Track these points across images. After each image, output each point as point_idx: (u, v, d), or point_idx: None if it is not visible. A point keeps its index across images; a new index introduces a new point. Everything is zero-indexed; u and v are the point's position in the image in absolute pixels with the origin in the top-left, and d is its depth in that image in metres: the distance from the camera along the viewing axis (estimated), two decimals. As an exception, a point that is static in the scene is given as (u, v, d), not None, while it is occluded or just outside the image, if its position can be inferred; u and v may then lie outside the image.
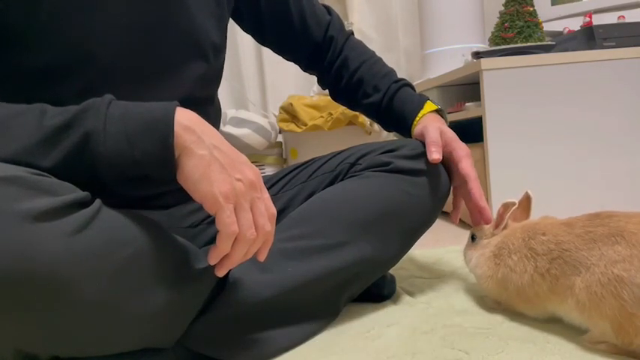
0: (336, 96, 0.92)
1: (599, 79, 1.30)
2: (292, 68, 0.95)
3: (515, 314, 0.69)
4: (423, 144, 0.77)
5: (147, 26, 0.60)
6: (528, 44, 1.33)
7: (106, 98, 0.49)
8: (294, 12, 0.83)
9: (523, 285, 0.64)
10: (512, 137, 1.29)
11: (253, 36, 0.87)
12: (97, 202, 0.48)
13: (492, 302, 0.73)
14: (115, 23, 0.58)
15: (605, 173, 1.32)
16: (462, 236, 0.84)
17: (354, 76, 0.86)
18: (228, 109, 2.07)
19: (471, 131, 1.34)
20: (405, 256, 0.79)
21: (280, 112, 2.01)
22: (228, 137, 1.94)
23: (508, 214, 0.71)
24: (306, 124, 1.90)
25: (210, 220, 0.74)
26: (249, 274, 0.62)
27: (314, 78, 0.93)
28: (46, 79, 0.56)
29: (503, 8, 1.44)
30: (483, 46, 1.67)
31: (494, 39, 1.43)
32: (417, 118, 0.81)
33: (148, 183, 0.51)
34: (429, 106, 0.82)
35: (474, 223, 0.79)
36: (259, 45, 0.90)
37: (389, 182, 0.73)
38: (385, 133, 1.97)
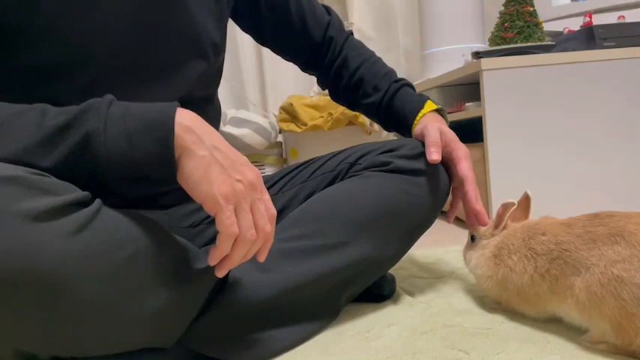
0: (335, 96, 0.92)
1: (599, 79, 1.30)
2: (292, 68, 0.95)
3: (515, 314, 0.69)
4: (423, 144, 0.77)
5: (147, 25, 0.60)
6: (528, 44, 1.33)
7: (106, 98, 0.49)
8: (293, 11, 0.83)
9: (523, 285, 0.64)
10: (512, 137, 1.29)
11: (252, 35, 0.87)
12: (97, 202, 0.48)
13: (492, 302, 0.73)
14: (115, 22, 0.58)
15: (604, 173, 1.32)
16: (462, 236, 0.84)
17: (354, 75, 0.86)
18: (228, 109, 2.08)
19: (471, 131, 1.34)
20: (405, 256, 0.79)
21: (280, 112, 2.01)
22: (228, 137, 1.94)
23: (508, 214, 0.71)
24: (306, 124, 1.90)
25: (210, 220, 0.74)
26: (249, 274, 0.62)
27: (314, 78, 0.93)
28: (46, 78, 0.56)
29: (503, 8, 1.44)
30: (483, 46, 1.67)
31: (494, 39, 1.43)
32: (418, 118, 0.81)
33: (148, 183, 0.51)
34: (430, 105, 0.82)
35: (469, 224, 0.79)
36: (259, 45, 0.90)
37: (389, 182, 0.73)
38: (385, 132, 1.97)
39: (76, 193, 0.46)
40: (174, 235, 0.57)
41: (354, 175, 0.75)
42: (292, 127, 1.95)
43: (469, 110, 1.40)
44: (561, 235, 0.61)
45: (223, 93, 2.22)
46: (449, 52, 1.75)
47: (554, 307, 0.62)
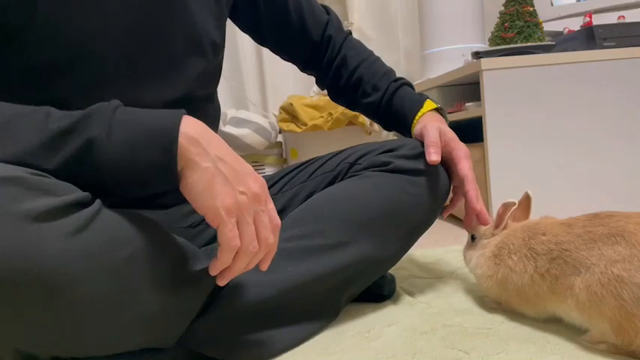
0: (334, 96, 0.92)
1: (599, 79, 1.30)
2: (292, 68, 0.95)
3: (515, 314, 0.69)
4: (423, 144, 0.77)
5: (146, 24, 0.60)
6: (528, 44, 1.33)
7: (112, 104, 0.49)
8: (292, 9, 0.82)
9: (523, 285, 0.64)
10: (512, 137, 1.29)
11: (251, 35, 0.86)
12: (97, 202, 0.48)
13: (492, 302, 0.73)
14: (115, 22, 0.58)
15: (604, 173, 1.32)
16: (462, 236, 0.84)
17: (353, 74, 0.86)
18: (228, 109, 2.08)
19: (471, 131, 1.34)
20: (405, 256, 0.79)
21: (280, 112, 2.01)
22: (228, 137, 1.94)
23: (508, 214, 0.71)
24: (306, 124, 1.90)
25: (210, 220, 0.73)
26: (248, 274, 0.62)
27: (314, 78, 0.93)
28: (46, 77, 0.56)
29: (503, 8, 1.44)
30: (483, 46, 1.67)
31: (494, 39, 1.43)
32: (417, 117, 0.81)
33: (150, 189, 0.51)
34: (429, 104, 0.82)
35: (467, 224, 0.79)
36: (259, 45, 0.90)
37: (388, 182, 0.73)
38: (385, 132, 1.97)
39: (77, 194, 0.46)
40: (174, 235, 0.57)
41: (354, 175, 0.75)
42: (292, 127, 1.95)
43: (469, 110, 1.40)
44: (561, 235, 0.61)
45: (223, 93, 2.22)
46: (449, 52, 1.75)
47: (554, 307, 0.62)
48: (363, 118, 1.85)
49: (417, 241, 0.78)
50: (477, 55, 1.34)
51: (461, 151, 0.77)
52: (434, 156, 0.73)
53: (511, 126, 1.29)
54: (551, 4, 1.63)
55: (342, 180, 0.76)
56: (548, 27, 1.53)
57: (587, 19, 1.38)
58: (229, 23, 0.79)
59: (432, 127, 0.77)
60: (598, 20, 1.38)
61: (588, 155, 1.31)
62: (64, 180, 0.46)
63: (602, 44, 1.32)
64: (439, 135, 0.76)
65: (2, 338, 0.44)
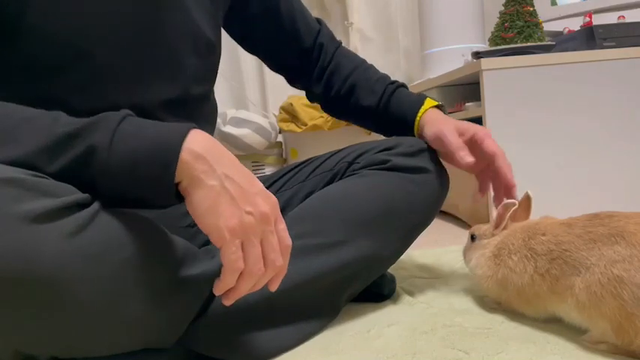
0: (327, 105, 0.90)
1: (599, 79, 1.30)
2: (293, 68, 0.95)
3: (515, 314, 0.69)
4: (421, 141, 0.77)
5: (142, 23, 0.60)
6: (528, 44, 1.33)
7: (121, 113, 0.48)
8: (283, 12, 0.82)
9: (523, 285, 0.64)
10: (512, 137, 1.29)
11: (242, 42, 0.86)
12: (97, 203, 0.48)
13: (492, 302, 0.73)
14: (110, 20, 0.57)
15: (604, 173, 1.32)
16: (462, 236, 0.84)
17: (346, 81, 0.85)
18: (228, 109, 2.08)
19: (471, 131, 1.34)
20: (405, 256, 0.79)
21: (280, 112, 2.02)
22: (228, 137, 1.94)
23: (508, 215, 0.71)
24: (306, 124, 1.90)
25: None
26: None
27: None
28: (44, 76, 0.56)
29: (503, 8, 1.44)
30: (483, 46, 1.67)
31: (494, 39, 1.43)
32: (420, 113, 0.80)
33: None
34: (430, 102, 0.82)
35: (498, 201, 0.77)
36: (250, 54, 0.89)
37: (387, 180, 0.72)
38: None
39: (76, 195, 0.46)
40: (174, 235, 0.57)
41: (353, 174, 0.75)
42: (292, 127, 1.95)
43: (469, 110, 1.40)
44: (561, 235, 0.61)
45: (223, 93, 2.22)
46: (449, 52, 1.75)
47: (554, 307, 0.62)
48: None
49: (417, 241, 0.78)
50: (477, 55, 1.34)
51: (481, 131, 0.76)
52: (467, 158, 0.73)
53: (511, 126, 1.29)
54: (554, 4, 1.63)
55: (340, 179, 0.76)
56: (548, 27, 1.53)
57: (587, 19, 1.37)
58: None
59: (447, 129, 0.75)
60: (598, 20, 1.38)
61: (588, 155, 1.31)
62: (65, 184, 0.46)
63: (602, 44, 1.32)
64: (457, 135, 0.75)
65: (2, 338, 0.44)
